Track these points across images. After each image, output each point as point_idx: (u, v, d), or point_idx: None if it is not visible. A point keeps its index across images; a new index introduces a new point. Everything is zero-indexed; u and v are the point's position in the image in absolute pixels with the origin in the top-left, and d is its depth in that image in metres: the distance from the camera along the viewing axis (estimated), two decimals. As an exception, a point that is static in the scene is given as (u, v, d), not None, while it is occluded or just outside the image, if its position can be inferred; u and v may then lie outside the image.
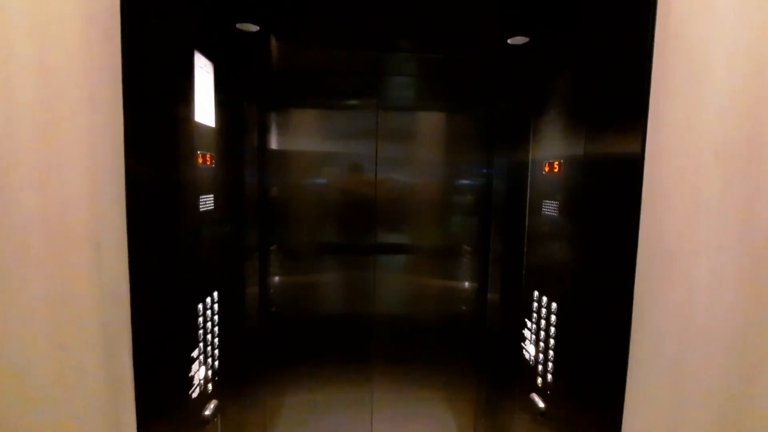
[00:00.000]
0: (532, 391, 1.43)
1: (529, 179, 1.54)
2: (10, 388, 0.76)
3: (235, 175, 1.53)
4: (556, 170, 1.35)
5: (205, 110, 1.20)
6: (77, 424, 0.83)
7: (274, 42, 1.60)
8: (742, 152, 0.84)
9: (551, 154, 1.39)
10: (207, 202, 1.23)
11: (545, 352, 1.39)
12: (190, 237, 1.13)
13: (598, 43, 1.14)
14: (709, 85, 0.86)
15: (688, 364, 0.91)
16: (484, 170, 1.78)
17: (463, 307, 1.88)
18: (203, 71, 1.19)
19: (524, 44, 1.47)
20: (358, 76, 1.72)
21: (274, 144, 1.71)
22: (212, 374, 1.30)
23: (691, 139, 0.87)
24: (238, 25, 1.33)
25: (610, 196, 1.07)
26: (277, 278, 1.80)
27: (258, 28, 1.35)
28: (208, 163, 1.23)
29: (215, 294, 1.31)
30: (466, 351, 1.86)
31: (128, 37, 0.82)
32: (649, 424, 0.95)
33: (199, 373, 1.20)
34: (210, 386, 1.28)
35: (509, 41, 1.46)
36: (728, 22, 0.83)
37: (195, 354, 1.18)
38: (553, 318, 1.35)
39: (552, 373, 1.35)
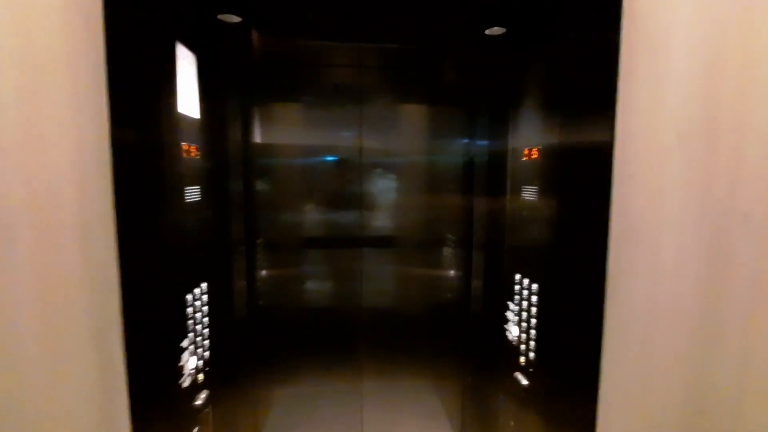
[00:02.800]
0: (516, 370, 1.49)
1: (508, 166, 1.59)
2: (-1, 378, 0.76)
3: (220, 167, 1.53)
4: (534, 156, 1.40)
5: (188, 102, 1.21)
6: (70, 413, 0.83)
7: (255, 34, 1.60)
8: (701, 133, 0.90)
9: (529, 141, 1.44)
10: (193, 193, 1.23)
11: (527, 332, 1.45)
12: (177, 226, 1.13)
13: (569, 34, 1.19)
14: (672, 72, 0.91)
15: (656, 333, 0.97)
16: (466, 159, 1.82)
17: (449, 295, 1.93)
18: (186, 62, 1.19)
19: (501, 35, 1.52)
20: (340, 69, 1.74)
21: (258, 137, 1.72)
22: (203, 365, 1.31)
23: (656, 123, 0.93)
24: (219, 16, 1.33)
25: (584, 180, 1.13)
26: (264, 271, 1.81)
27: (240, 19, 1.35)
28: (193, 154, 1.24)
29: (203, 285, 1.32)
30: (452, 336, 1.91)
31: (110, 24, 0.83)
32: (622, 392, 1.01)
33: (189, 363, 1.21)
34: (201, 376, 1.29)
35: (487, 32, 1.50)
36: (687, 12, 0.89)
37: (185, 344, 1.19)
38: (534, 298, 1.41)
39: (534, 351, 1.41)
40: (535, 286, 1.40)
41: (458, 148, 1.83)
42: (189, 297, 1.22)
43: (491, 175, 1.72)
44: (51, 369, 0.81)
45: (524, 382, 1.43)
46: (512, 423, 1.55)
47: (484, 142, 1.74)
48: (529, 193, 1.43)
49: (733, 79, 0.88)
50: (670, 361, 0.97)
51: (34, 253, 0.77)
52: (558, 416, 1.25)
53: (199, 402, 1.25)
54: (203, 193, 1.30)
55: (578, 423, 1.11)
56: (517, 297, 1.52)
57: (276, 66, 1.70)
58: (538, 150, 1.37)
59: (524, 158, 1.46)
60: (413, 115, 1.86)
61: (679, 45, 0.91)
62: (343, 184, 1.79)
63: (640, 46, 0.94)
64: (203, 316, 1.32)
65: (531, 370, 1.42)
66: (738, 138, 0.88)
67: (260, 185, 1.73)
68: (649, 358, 0.98)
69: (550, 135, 1.30)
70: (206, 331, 1.34)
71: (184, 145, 1.17)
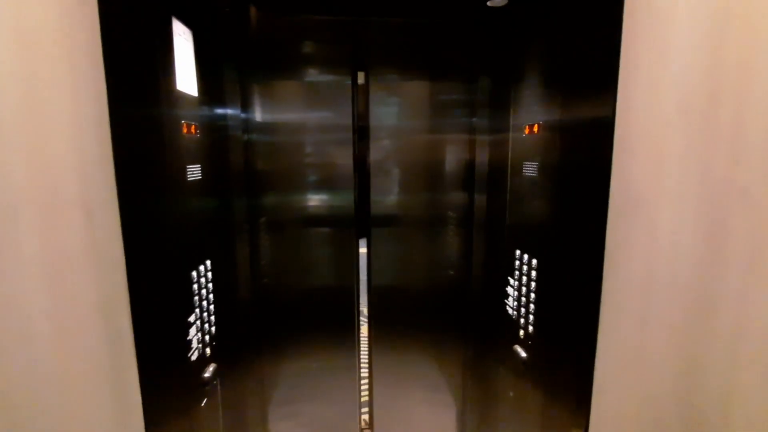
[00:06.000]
0: (515, 343, 1.53)
1: (510, 142, 1.58)
2: (8, 356, 0.78)
3: (220, 145, 1.53)
4: (535, 132, 1.39)
5: (186, 79, 1.20)
6: (80, 389, 0.86)
7: (253, 11, 1.57)
8: (702, 106, 0.88)
9: (531, 117, 1.42)
10: (194, 171, 1.24)
11: (527, 306, 1.47)
12: (180, 204, 1.14)
13: (572, 7, 1.15)
14: (675, 43, 0.89)
15: (652, 306, 0.98)
16: (467, 135, 1.81)
17: (450, 272, 1.95)
18: (182, 39, 1.17)
19: (503, 6, 1.48)
20: (340, 44, 1.71)
21: (258, 114, 1.71)
22: (210, 339, 1.35)
23: (657, 96, 0.91)
24: (214, -9, 1.31)
25: (584, 155, 1.12)
26: (267, 250, 1.83)
27: (235, -7, 1.33)
28: (193, 132, 1.24)
29: (208, 262, 1.34)
30: (454, 312, 1.94)
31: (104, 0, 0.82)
32: (618, 363, 1.03)
33: (196, 337, 1.25)
34: (208, 350, 1.33)
35: (488, 3, 1.46)
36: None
37: (192, 319, 1.22)
38: (533, 274, 1.42)
39: (533, 325, 1.43)
40: (534, 262, 1.42)
41: (459, 124, 1.81)
42: (194, 274, 1.25)
43: (492, 151, 1.71)
44: (61, 345, 0.83)
45: (523, 354, 1.46)
46: (511, 394, 1.60)
47: (486, 117, 1.72)
48: (530, 169, 1.42)
49: (735, 50, 0.86)
50: (665, 333, 0.98)
51: (38, 233, 0.78)
52: (555, 387, 1.28)
53: (207, 375, 1.29)
54: (204, 171, 1.30)
55: (574, 393, 1.14)
56: (517, 272, 1.54)
57: (275, 42, 1.68)
58: (540, 125, 1.36)
59: (526, 133, 1.45)
60: (414, 92, 1.83)
61: (683, 15, 0.88)
62: (344, 162, 1.78)
63: (643, 16, 0.91)
64: (208, 293, 1.35)
65: (530, 343, 1.45)
66: (739, 111, 0.86)
67: (261, 163, 1.73)
68: (644, 331, 1.00)
69: (551, 110, 1.29)
70: (212, 307, 1.37)
71: (183, 123, 1.17)
